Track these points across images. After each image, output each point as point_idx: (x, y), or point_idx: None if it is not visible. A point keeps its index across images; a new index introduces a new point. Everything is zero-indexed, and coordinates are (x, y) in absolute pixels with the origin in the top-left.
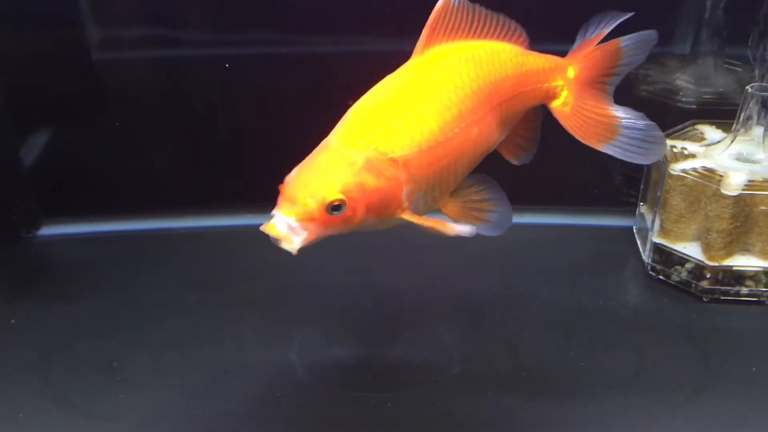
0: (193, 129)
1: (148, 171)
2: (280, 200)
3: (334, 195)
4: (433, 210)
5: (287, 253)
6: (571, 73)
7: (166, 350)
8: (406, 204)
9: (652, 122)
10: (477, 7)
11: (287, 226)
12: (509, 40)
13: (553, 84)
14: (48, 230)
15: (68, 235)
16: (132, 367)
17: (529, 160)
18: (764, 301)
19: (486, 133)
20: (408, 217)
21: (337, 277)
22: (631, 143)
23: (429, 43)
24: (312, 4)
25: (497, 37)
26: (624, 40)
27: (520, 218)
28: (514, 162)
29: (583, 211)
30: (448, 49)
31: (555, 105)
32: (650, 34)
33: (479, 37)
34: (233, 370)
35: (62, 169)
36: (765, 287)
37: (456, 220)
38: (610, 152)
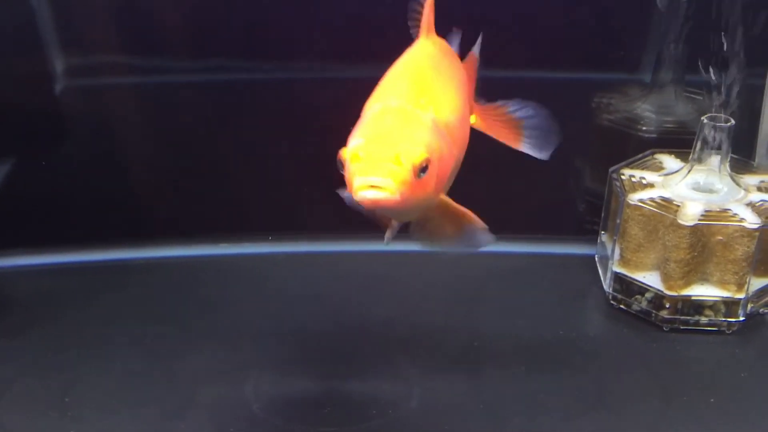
0: (154, 158)
1: (105, 201)
2: (360, 166)
3: (422, 154)
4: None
5: (247, 284)
6: None
7: (119, 385)
8: (446, 179)
9: (543, 111)
10: None
11: (391, 193)
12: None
13: None
14: (1, 262)
15: (21, 266)
16: (84, 402)
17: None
18: (724, 330)
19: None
20: (444, 197)
21: (295, 309)
22: (535, 136)
23: (431, 24)
24: (289, 31)
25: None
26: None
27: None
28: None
29: (545, 239)
30: (439, 41)
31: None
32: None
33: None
34: (187, 406)
35: (15, 200)
36: (724, 317)
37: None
38: (527, 150)
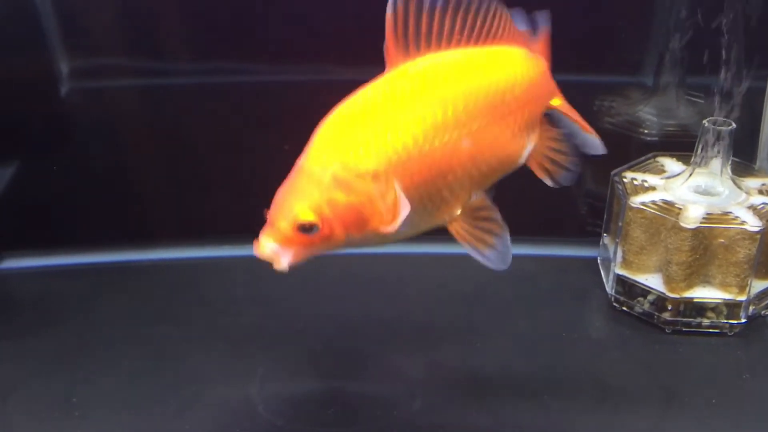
0: (159, 160)
1: (111, 203)
2: (265, 224)
3: (304, 216)
4: (438, 226)
5: (251, 285)
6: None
7: (125, 385)
8: (389, 217)
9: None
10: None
11: (271, 250)
12: (494, 29)
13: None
14: (8, 264)
15: (27, 268)
16: (91, 402)
17: (571, 181)
18: (726, 332)
19: (490, 145)
20: (393, 228)
21: (300, 310)
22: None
23: (399, 54)
24: (290, 33)
25: (482, 31)
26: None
27: None
28: (549, 183)
29: (548, 241)
30: (434, 60)
31: (556, 102)
32: None
33: (468, 38)
34: (193, 406)
35: (23, 201)
36: (726, 319)
37: (460, 241)
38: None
